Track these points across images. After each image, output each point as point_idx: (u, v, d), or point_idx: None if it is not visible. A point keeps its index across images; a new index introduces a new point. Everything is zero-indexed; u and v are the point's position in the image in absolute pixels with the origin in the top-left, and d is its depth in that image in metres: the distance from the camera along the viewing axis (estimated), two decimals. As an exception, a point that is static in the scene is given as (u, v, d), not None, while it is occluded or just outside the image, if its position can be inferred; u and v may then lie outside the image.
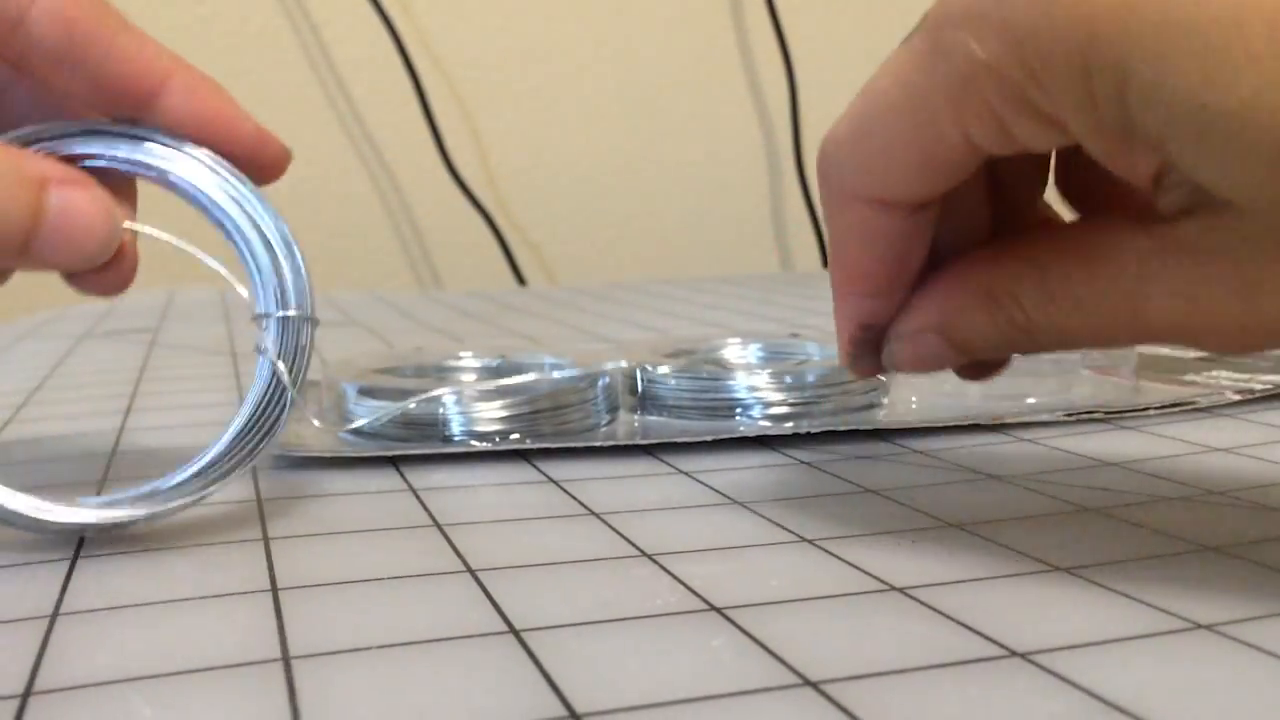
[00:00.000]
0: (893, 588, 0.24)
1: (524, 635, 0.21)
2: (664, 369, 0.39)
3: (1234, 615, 0.22)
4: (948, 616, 0.22)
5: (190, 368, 0.55)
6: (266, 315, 0.29)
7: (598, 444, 0.36)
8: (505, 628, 0.22)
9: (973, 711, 0.18)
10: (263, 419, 0.28)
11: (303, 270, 0.29)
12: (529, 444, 0.35)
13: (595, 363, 0.40)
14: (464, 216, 1.07)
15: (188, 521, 0.29)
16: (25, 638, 0.22)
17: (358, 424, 0.36)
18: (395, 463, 0.35)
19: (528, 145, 1.10)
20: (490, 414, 0.36)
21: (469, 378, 0.42)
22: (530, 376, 0.38)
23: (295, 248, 0.29)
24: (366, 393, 0.37)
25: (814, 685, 0.19)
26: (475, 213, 1.06)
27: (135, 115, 0.29)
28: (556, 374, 0.38)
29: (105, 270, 0.27)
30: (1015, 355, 0.27)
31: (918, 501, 0.30)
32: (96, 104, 0.28)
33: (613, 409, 0.39)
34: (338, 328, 0.69)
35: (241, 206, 0.29)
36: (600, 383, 0.38)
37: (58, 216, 0.25)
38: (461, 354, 0.44)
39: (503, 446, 0.35)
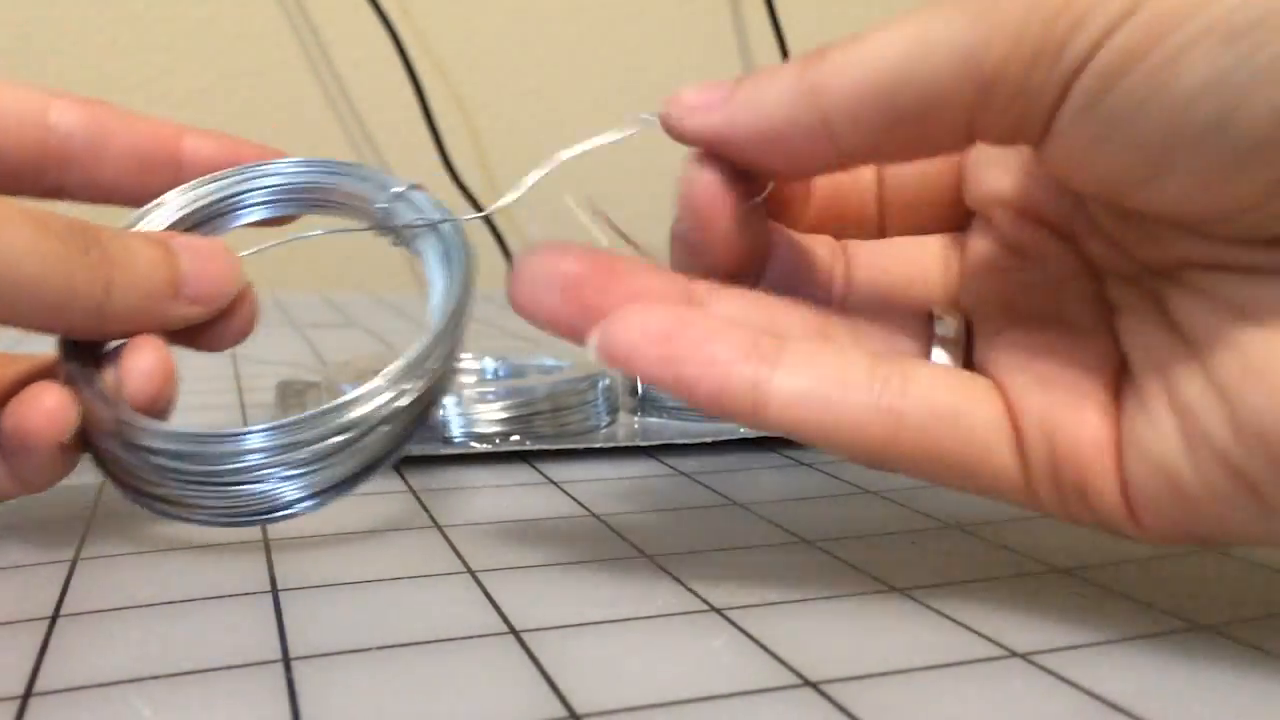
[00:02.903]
0: (893, 589, 0.24)
1: (524, 636, 0.21)
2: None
3: (1233, 616, 0.22)
4: (948, 617, 0.22)
5: (190, 369, 0.55)
6: (397, 195, 0.29)
7: (598, 445, 0.36)
8: (505, 628, 0.22)
9: (973, 712, 0.18)
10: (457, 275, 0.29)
11: (367, 168, 0.30)
12: (529, 445, 0.35)
13: (595, 364, 0.40)
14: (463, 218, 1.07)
15: (188, 523, 0.29)
16: (26, 639, 0.22)
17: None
18: (395, 464, 0.35)
19: (527, 147, 1.10)
20: (490, 415, 0.36)
21: (469, 379, 0.42)
22: (530, 378, 0.38)
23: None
24: (366, 394, 0.37)
25: (814, 686, 0.19)
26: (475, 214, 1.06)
27: (170, 169, 0.30)
28: (556, 376, 0.38)
29: (233, 315, 0.28)
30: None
31: (918, 503, 0.30)
32: (130, 175, 0.30)
33: (613, 411, 0.39)
34: (337, 329, 0.69)
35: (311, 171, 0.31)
36: (600, 384, 0.38)
37: (191, 259, 0.27)
38: (461, 356, 0.44)
39: (503, 448, 0.35)
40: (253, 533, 0.28)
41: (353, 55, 1.04)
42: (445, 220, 0.29)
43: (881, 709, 0.18)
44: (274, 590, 0.24)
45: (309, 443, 0.24)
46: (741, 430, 0.36)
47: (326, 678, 0.20)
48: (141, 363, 0.26)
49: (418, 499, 0.31)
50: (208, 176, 0.30)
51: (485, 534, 0.28)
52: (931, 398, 0.21)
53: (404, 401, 0.25)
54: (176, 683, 0.20)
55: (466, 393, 0.36)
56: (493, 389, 0.37)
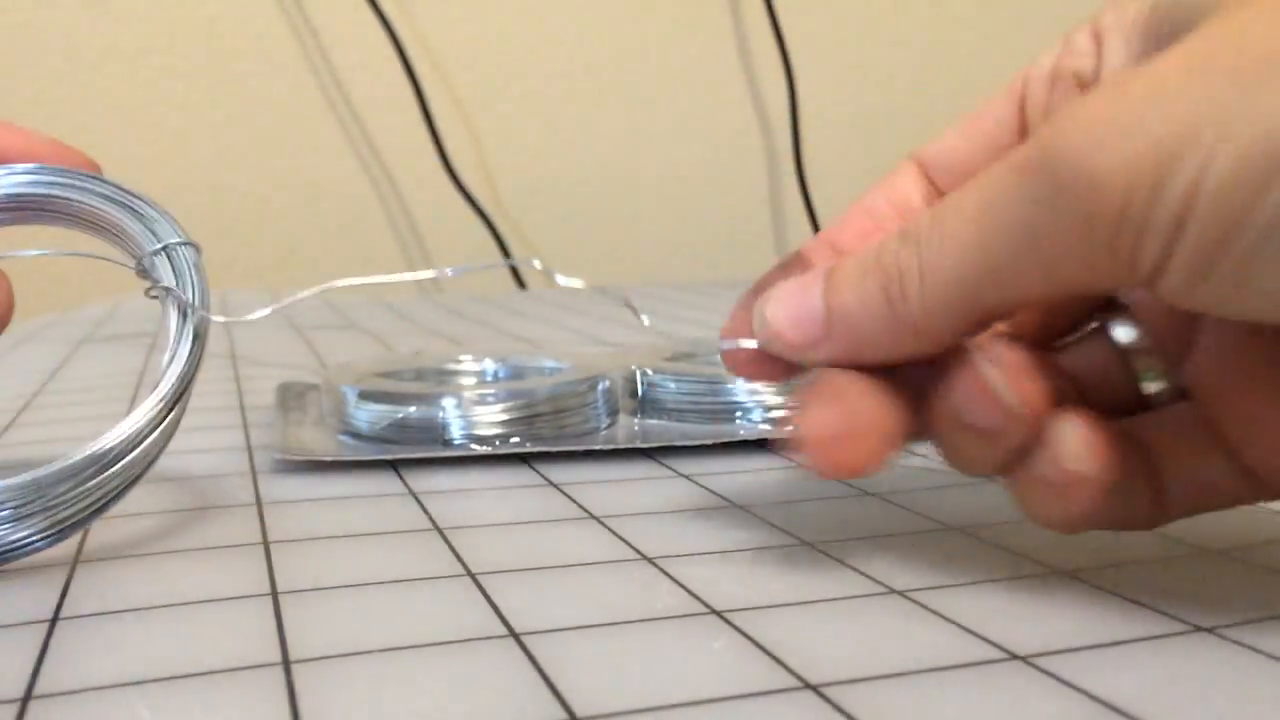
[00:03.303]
0: (893, 590, 0.24)
1: (524, 638, 0.21)
2: (664, 372, 0.39)
3: (1233, 618, 0.22)
4: (948, 619, 0.22)
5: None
6: (150, 253, 0.29)
7: (598, 447, 0.36)
8: (505, 631, 0.22)
9: (973, 714, 0.18)
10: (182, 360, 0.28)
11: (153, 206, 0.29)
12: (529, 447, 0.35)
13: (595, 366, 0.40)
14: (464, 220, 1.07)
15: (188, 525, 0.29)
16: (25, 642, 0.22)
17: (357, 428, 0.36)
18: (395, 466, 0.35)
19: (527, 148, 1.10)
20: (490, 417, 0.36)
21: (469, 381, 0.42)
22: (530, 380, 0.38)
23: (133, 192, 0.29)
24: (366, 396, 0.37)
25: (814, 688, 0.19)
26: (475, 216, 1.06)
27: None
28: (556, 378, 0.38)
29: None
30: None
31: (918, 504, 0.30)
32: None
33: (613, 412, 0.39)
34: (337, 331, 0.69)
35: (60, 184, 0.29)
36: (600, 386, 0.38)
37: None
38: (461, 358, 0.44)
39: (503, 450, 0.35)
40: (252, 535, 0.28)
41: (352, 56, 1.04)
42: (185, 305, 0.28)
43: (882, 711, 0.18)
44: (274, 593, 0.24)
45: (40, 498, 0.26)
46: (741, 432, 0.36)
47: (326, 680, 0.20)
48: None
49: (417, 501, 0.31)
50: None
51: (485, 536, 0.28)
52: None
53: (130, 456, 0.27)
54: (176, 685, 0.20)
55: (466, 395, 0.36)
56: (493, 391, 0.37)
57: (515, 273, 1.07)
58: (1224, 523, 0.27)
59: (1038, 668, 0.20)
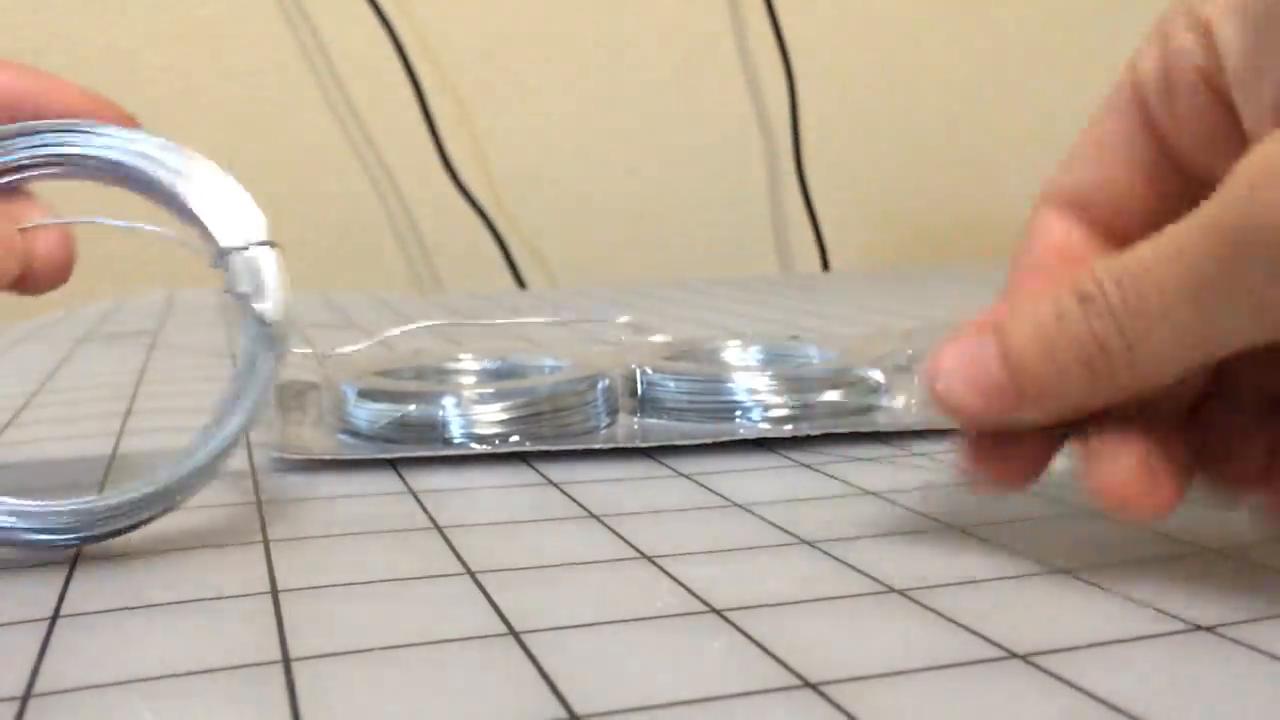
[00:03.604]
0: (892, 589, 0.24)
1: (524, 637, 0.21)
2: (664, 371, 0.39)
3: (1233, 617, 0.22)
4: (947, 618, 0.22)
5: (190, 370, 0.55)
6: (227, 251, 0.27)
7: (597, 446, 0.36)
8: (505, 630, 0.22)
9: (973, 713, 0.18)
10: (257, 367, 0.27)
11: (243, 194, 0.27)
12: (529, 446, 0.35)
13: (595, 365, 0.40)
14: (463, 219, 1.07)
15: (187, 524, 0.29)
16: (25, 640, 0.22)
17: (357, 426, 0.36)
18: (395, 465, 0.35)
19: (527, 147, 1.10)
20: (490, 416, 0.36)
21: (469, 380, 0.42)
22: (530, 379, 0.38)
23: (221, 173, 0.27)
24: (366, 395, 0.37)
25: (814, 687, 0.19)
26: (475, 215, 1.06)
27: None
28: (556, 376, 0.38)
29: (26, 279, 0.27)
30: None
31: (917, 503, 0.30)
32: None
33: (612, 411, 0.39)
34: (337, 329, 0.69)
35: (149, 156, 0.27)
36: (600, 385, 0.38)
37: None
38: (461, 356, 0.44)
39: (502, 449, 0.35)
40: (252, 533, 0.28)
41: (352, 55, 1.04)
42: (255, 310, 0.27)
43: (881, 710, 0.18)
44: (274, 591, 0.24)
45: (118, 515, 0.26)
46: (741, 431, 0.36)
47: (326, 679, 0.20)
48: None
49: (417, 500, 0.31)
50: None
51: (485, 535, 0.28)
52: None
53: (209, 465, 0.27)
54: (176, 684, 0.20)
55: (466, 393, 0.36)
56: (493, 389, 0.37)
57: (515, 273, 1.07)
58: (1224, 522, 0.27)
59: (1037, 666, 0.20)
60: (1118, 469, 0.22)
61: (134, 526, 0.26)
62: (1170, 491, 0.23)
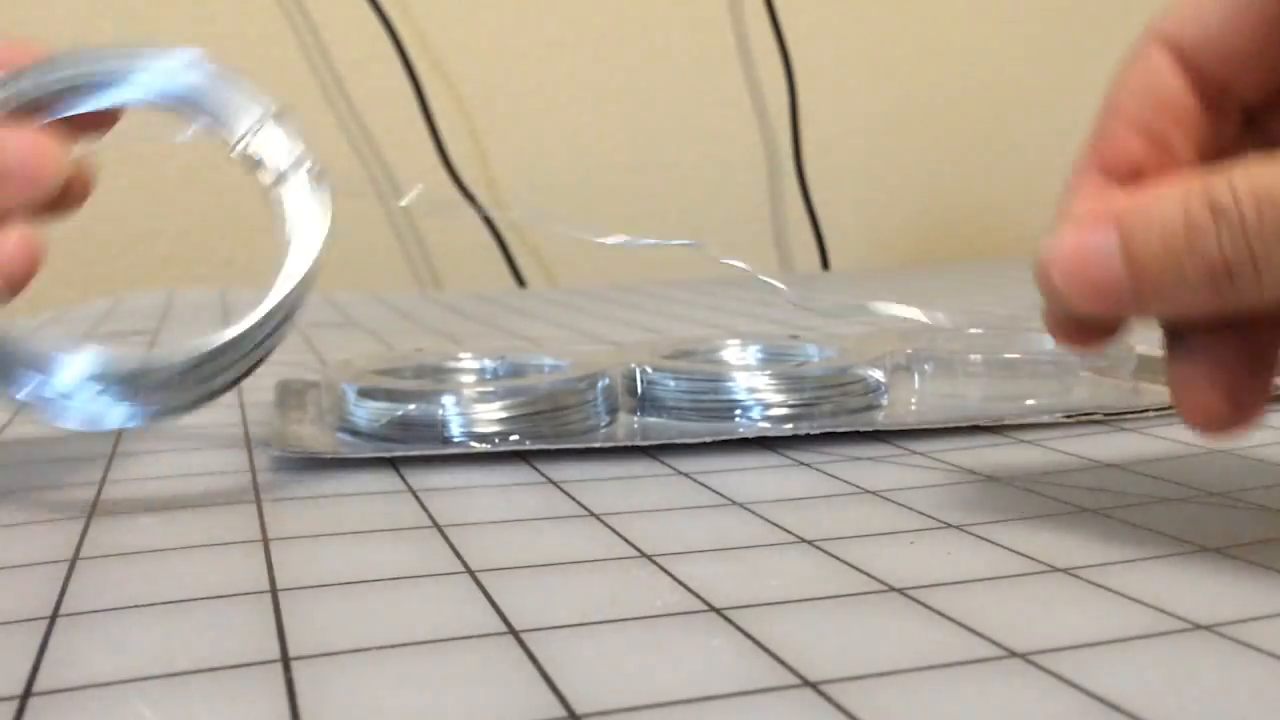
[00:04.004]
0: (892, 588, 0.24)
1: (523, 636, 0.21)
2: (664, 370, 0.39)
3: (1233, 616, 0.22)
4: (947, 617, 0.22)
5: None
6: (250, 129, 0.29)
7: (597, 445, 0.36)
8: (505, 628, 0.22)
9: (972, 712, 0.18)
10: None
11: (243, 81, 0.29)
12: (528, 445, 0.35)
13: (595, 364, 0.40)
14: (463, 218, 1.07)
15: (187, 522, 0.29)
16: (25, 638, 0.22)
17: (356, 425, 0.36)
18: (395, 464, 0.35)
19: (527, 146, 1.10)
20: (490, 415, 0.36)
21: (468, 379, 0.42)
22: (530, 378, 0.38)
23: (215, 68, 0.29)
24: (366, 394, 0.37)
25: (813, 686, 0.19)
26: (475, 215, 1.06)
27: None
28: (556, 375, 0.38)
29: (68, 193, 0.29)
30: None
31: (917, 502, 0.30)
32: None
33: (612, 410, 0.39)
34: (337, 329, 0.69)
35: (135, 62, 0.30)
36: (600, 384, 0.38)
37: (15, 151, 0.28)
38: (461, 355, 0.44)
39: (502, 448, 0.35)
40: (252, 532, 0.28)
41: (352, 55, 1.04)
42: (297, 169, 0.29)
43: (881, 709, 0.18)
44: (273, 590, 0.24)
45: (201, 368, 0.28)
46: (741, 430, 0.36)
47: (326, 678, 0.20)
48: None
49: (417, 498, 0.31)
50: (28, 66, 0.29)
51: (484, 533, 0.28)
52: None
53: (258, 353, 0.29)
54: (176, 683, 0.20)
55: (466, 392, 0.36)
56: (492, 388, 0.37)
57: (515, 272, 1.07)
58: (1224, 521, 0.27)
59: (1037, 665, 0.20)
60: (1209, 399, 0.23)
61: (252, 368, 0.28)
62: (1253, 412, 0.23)
